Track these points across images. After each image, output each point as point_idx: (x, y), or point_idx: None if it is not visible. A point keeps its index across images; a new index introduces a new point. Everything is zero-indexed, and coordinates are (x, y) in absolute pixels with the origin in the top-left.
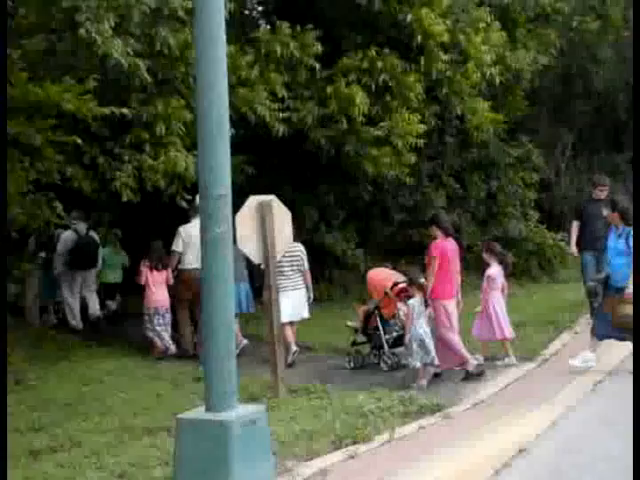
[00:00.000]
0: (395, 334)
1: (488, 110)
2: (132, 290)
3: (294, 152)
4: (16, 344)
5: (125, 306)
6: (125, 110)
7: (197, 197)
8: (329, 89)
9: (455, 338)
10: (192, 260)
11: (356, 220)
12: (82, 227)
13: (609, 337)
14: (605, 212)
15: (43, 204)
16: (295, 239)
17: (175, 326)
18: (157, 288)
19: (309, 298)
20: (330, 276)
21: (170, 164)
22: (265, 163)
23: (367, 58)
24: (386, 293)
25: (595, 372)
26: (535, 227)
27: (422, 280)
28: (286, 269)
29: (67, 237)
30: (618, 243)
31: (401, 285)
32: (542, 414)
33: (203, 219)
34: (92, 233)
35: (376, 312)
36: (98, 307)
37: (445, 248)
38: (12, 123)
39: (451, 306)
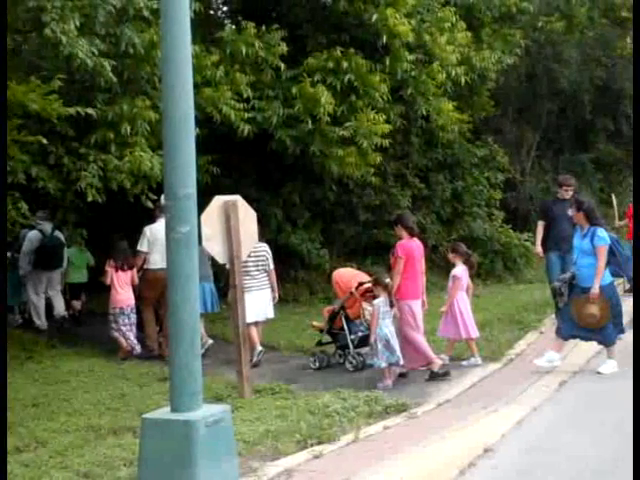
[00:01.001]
0: (360, 334)
1: (453, 110)
2: (97, 290)
3: (259, 152)
4: None
5: (90, 306)
6: (90, 110)
7: (162, 197)
8: (294, 89)
9: (420, 338)
10: (158, 260)
11: (321, 220)
12: (47, 227)
13: (574, 337)
14: (570, 212)
15: (8, 204)
16: (260, 239)
17: (140, 326)
18: (122, 288)
19: (274, 298)
20: (295, 276)
21: (135, 164)
22: (230, 163)
23: (332, 58)
24: (351, 293)
25: (560, 372)
26: (500, 227)
27: (387, 280)
28: (251, 269)
29: (32, 237)
30: (583, 243)
31: (366, 285)
32: (507, 414)
33: (168, 219)
34: (57, 233)
35: (341, 312)
36: (63, 307)
37: (410, 248)
38: None
39: (416, 306)
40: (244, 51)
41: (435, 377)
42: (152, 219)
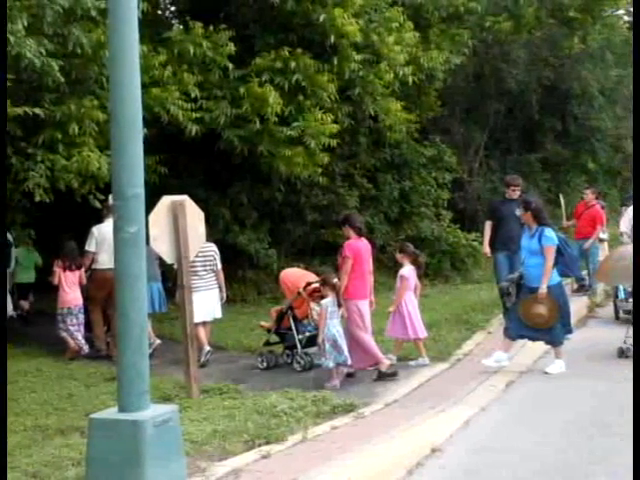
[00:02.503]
0: (308, 334)
1: (401, 110)
2: (45, 290)
3: (207, 152)
4: None
5: (38, 306)
6: (38, 110)
7: (110, 197)
8: (242, 89)
9: (368, 338)
10: (105, 260)
11: (269, 220)
12: None
13: (522, 337)
14: (518, 212)
15: None
16: (208, 239)
17: (88, 326)
18: (70, 288)
19: (222, 298)
20: (243, 276)
21: (83, 164)
22: (178, 163)
23: (280, 58)
24: (299, 293)
25: (508, 372)
26: (448, 227)
27: (335, 280)
28: (199, 269)
29: None
30: (531, 243)
31: (314, 285)
32: (455, 414)
33: (116, 219)
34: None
35: (289, 312)
36: (12, 307)
37: (358, 248)
38: None
39: (364, 306)
40: (192, 51)
41: (383, 377)
42: (100, 219)
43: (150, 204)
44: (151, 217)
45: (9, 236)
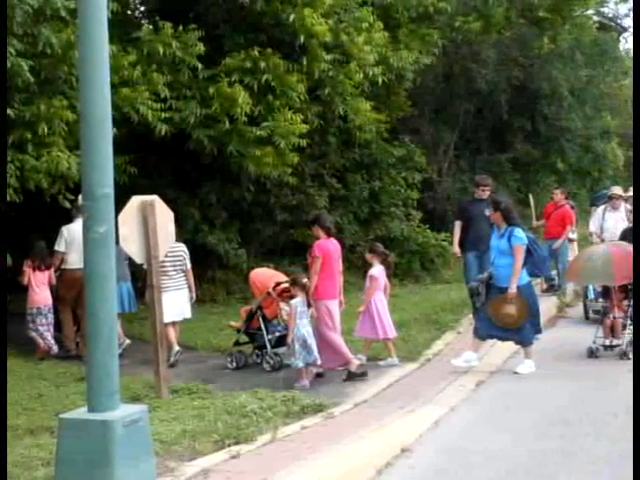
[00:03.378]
0: (278, 334)
1: (371, 110)
2: (15, 290)
3: (176, 152)
4: None
5: (8, 306)
6: (8, 110)
7: (80, 197)
8: (211, 89)
9: (338, 338)
10: (75, 260)
11: (238, 220)
12: None
13: (492, 337)
14: (488, 212)
15: None
16: (177, 239)
17: (58, 326)
18: (40, 288)
19: (192, 298)
20: (213, 276)
21: (53, 164)
22: (148, 163)
23: (250, 58)
24: (269, 293)
25: (478, 372)
26: (418, 227)
27: (305, 280)
28: (169, 269)
29: None
30: (501, 243)
31: (284, 285)
32: (425, 414)
33: (86, 219)
34: None
35: (259, 312)
36: None
37: (328, 248)
38: None
39: (334, 306)
40: (161, 51)
41: (352, 377)
42: (70, 219)
43: (120, 204)
44: (120, 217)
45: None
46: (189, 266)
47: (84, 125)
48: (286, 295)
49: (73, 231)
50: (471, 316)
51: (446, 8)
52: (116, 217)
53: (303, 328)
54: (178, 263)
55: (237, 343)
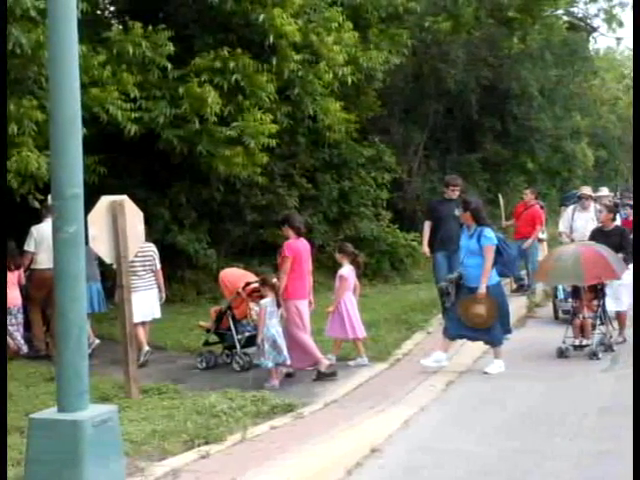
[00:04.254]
0: (247, 334)
1: (340, 110)
2: None
3: (146, 152)
4: None
5: None
6: None
7: (49, 197)
8: (181, 89)
9: (307, 338)
10: (45, 260)
11: (208, 220)
12: None
13: (461, 337)
14: (457, 212)
15: None
16: (147, 239)
17: (28, 326)
18: (9, 288)
19: (161, 298)
20: (182, 276)
21: (22, 164)
22: (117, 163)
23: (219, 58)
24: (238, 293)
25: (447, 372)
26: (387, 227)
27: (274, 280)
28: (138, 269)
29: None
30: (470, 243)
31: (253, 285)
32: (395, 414)
33: (55, 219)
34: None
35: (228, 312)
36: None
37: (297, 248)
38: None
39: (303, 306)
40: (131, 51)
41: (322, 377)
42: (39, 219)
43: (89, 204)
44: (90, 217)
45: None
46: (159, 266)
47: (54, 125)
48: (256, 295)
49: (42, 231)
50: (441, 316)
51: (415, 8)
52: (86, 217)
53: (273, 328)
54: (148, 263)
55: (207, 343)
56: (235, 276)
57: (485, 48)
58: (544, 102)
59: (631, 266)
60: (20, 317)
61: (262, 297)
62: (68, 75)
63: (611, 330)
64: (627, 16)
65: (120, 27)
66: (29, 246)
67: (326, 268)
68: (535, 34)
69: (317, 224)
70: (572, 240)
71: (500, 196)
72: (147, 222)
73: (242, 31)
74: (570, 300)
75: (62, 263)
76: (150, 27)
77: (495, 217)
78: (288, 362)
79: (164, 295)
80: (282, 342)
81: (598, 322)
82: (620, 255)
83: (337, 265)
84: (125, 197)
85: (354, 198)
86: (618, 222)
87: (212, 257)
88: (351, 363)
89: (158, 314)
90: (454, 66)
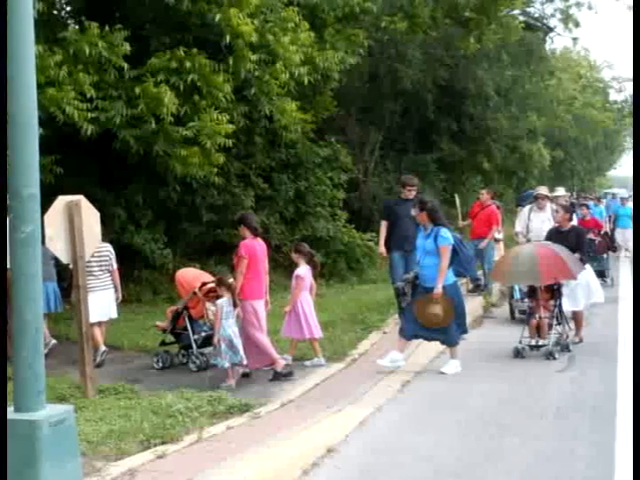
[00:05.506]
0: (204, 334)
1: (297, 110)
2: None
3: (103, 152)
4: None
5: None
6: None
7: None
8: (137, 89)
9: (264, 338)
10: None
11: (165, 220)
12: None
13: (417, 337)
14: (414, 212)
15: None
16: (103, 239)
17: None
18: None
19: (118, 298)
20: (139, 276)
21: None
22: (73, 163)
23: (176, 58)
24: (195, 293)
25: (403, 372)
26: (344, 227)
27: (231, 280)
28: (95, 269)
29: None
30: (427, 243)
31: (210, 285)
32: (351, 414)
33: (12, 219)
34: None
35: (185, 312)
36: None
37: (254, 248)
38: None
39: (260, 306)
40: (87, 51)
41: (278, 377)
42: None
43: (46, 204)
44: (47, 217)
45: None
46: (115, 266)
47: (10, 125)
48: (212, 295)
49: None
50: (397, 316)
51: (372, 8)
52: (42, 217)
53: (229, 328)
54: (104, 263)
55: (163, 343)
56: (191, 276)
57: (441, 48)
58: (500, 102)
59: (588, 266)
60: None
61: (218, 297)
62: (25, 75)
63: (567, 330)
64: (583, 16)
65: (76, 27)
66: None
67: (282, 268)
68: (491, 34)
69: (273, 224)
70: (528, 240)
71: (456, 196)
72: (103, 222)
73: (198, 31)
74: (526, 300)
75: (18, 263)
76: (106, 27)
77: (451, 217)
78: (244, 362)
79: (120, 295)
80: (238, 342)
81: (555, 322)
82: (576, 255)
83: (293, 265)
84: (81, 197)
85: (310, 198)
86: (575, 222)
87: (168, 257)
88: (307, 363)
89: (114, 314)
90: (410, 66)
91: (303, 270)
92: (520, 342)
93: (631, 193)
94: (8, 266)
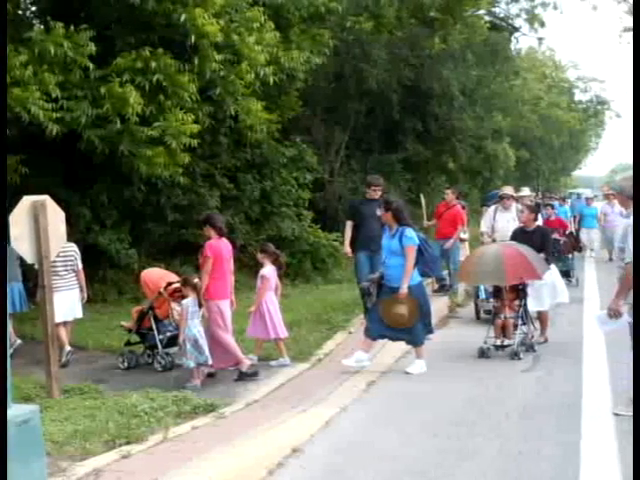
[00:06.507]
0: (169, 334)
1: (262, 110)
2: None
3: (68, 152)
4: None
5: None
6: None
7: None
8: (103, 89)
9: (229, 338)
10: None
11: (130, 220)
12: None
13: (383, 337)
14: (379, 212)
15: None
16: (69, 239)
17: None
18: None
19: (83, 298)
20: (104, 276)
21: None
22: (39, 163)
23: (141, 58)
24: (160, 293)
25: (369, 372)
26: (309, 227)
27: (196, 280)
28: (60, 269)
29: None
30: (392, 243)
31: (175, 285)
32: (316, 414)
33: None
34: None
35: (150, 312)
36: None
37: (219, 248)
38: None
39: (225, 306)
40: (53, 51)
41: (244, 377)
42: None
43: (11, 204)
44: (12, 217)
45: None
46: (80, 266)
47: None
48: (177, 295)
49: None
50: (362, 316)
51: (337, 8)
52: (7, 217)
53: (194, 328)
54: (69, 263)
55: (128, 343)
56: (157, 276)
57: (407, 48)
58: (465, 102)
59: (553, 266)
60: None
61: (184, 297)
62: None
63: (533, 330)
64: (548, 16)
65: (42, 27)
66: None
67: (248, 268)
68: (457, 34)
69: (239, 224)
70: (494, 240)
71: (422, 196)
72: (69, 222)
73: (164, 31)
74: (491, 300)
75: None
76: (72, 27)
77: (417, 217)
78: (210, 362)
79: (85, 295)
80: (204, 342)
81: (520, 322)
82: (542, 255)
83: (259, 265)
84: (47, 197)
85: (276, 198)
86: (540, 222)
87: (134, 257)
88: (273, 363)
89: (80, 314)
90: (376, 66)
91: (268, 270)
92: (485, 342)
93: (596, 193)
94: None
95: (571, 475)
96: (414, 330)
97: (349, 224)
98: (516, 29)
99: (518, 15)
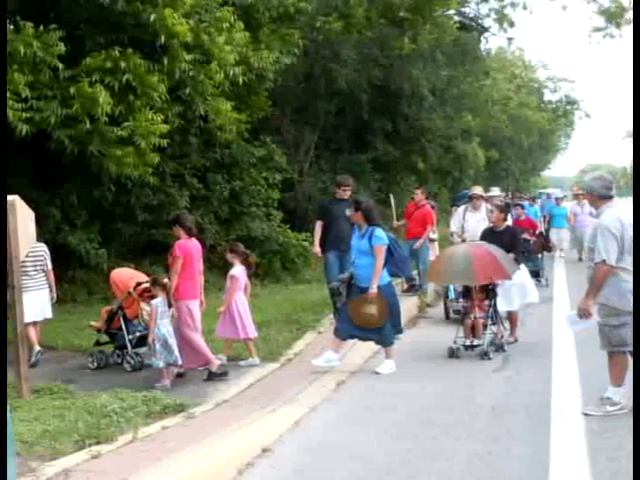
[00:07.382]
0: (138, 334)
1: (231, 110)
2: None
3: (37, 152)
4: None
5: None
6: None
7: None
8: (72, 89)
9: (198, 338)
10: None
11: (99, 220)
12: None
13: (352, 337)
14: (348, 212)
15: None
16: (38, 239)
17: None
18: None
19: (52, 298)
20: (73, 276)
21: None
22: (8, 163)
23: (110, 58)
24: (129, 293)
25: (339, 372)
26: (279, 227)
27: (165, 280)
28: (29, 269)
29: None
30: (362, 243)
31: (144, 285)
32: (286, 414)
33: None
34: None
35: (119, 312)
36: None
37: (188, 248)
38: None
39: (194, 306)
40: (22, 51)
41: (213, 377)
42: None
43: None
44: None
45: None
46: (50, 266)
47: None
48: (147, 295)
49: None
50: (332, 316)
51: (307, 8)
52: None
53: (164, 328)
54: (39, 263)
55: (98, 343)
56: (126, 276)
57: (376, 48)
58: (435, 102)
59: (522, 266)
60: None
61: (153, 297)
62: None
63: (502, 330)
64: (518, 16)
65: (11, 27)
66: None
67: (217, 268)
68: (426, 34)
69: (208, 224)
70: (463, 240)
71: (391, 196)
72: (38, 222)
73: (133, 31)
74: (461, 300)
75: None
76: (41, 27)
77: (386, 217)
78: (179, 362)
79: (55, 295)
80: (173, 342)
81: (489, 322)
82: (511, 255)
83: (228, 265)
84: (16, 197)
85: (245, 198)
86: (509, 222)
87: (103, 257)
88: (242, 363)
89: (49, 314)
90: (345, 66)
91: (238, 270)
92: (455, 342)
93: (565, 193)
94: None
95: (541, 475)
96: (383, 330)
97: (319, 224)
98: (486, 29)
99: (488, 15)
